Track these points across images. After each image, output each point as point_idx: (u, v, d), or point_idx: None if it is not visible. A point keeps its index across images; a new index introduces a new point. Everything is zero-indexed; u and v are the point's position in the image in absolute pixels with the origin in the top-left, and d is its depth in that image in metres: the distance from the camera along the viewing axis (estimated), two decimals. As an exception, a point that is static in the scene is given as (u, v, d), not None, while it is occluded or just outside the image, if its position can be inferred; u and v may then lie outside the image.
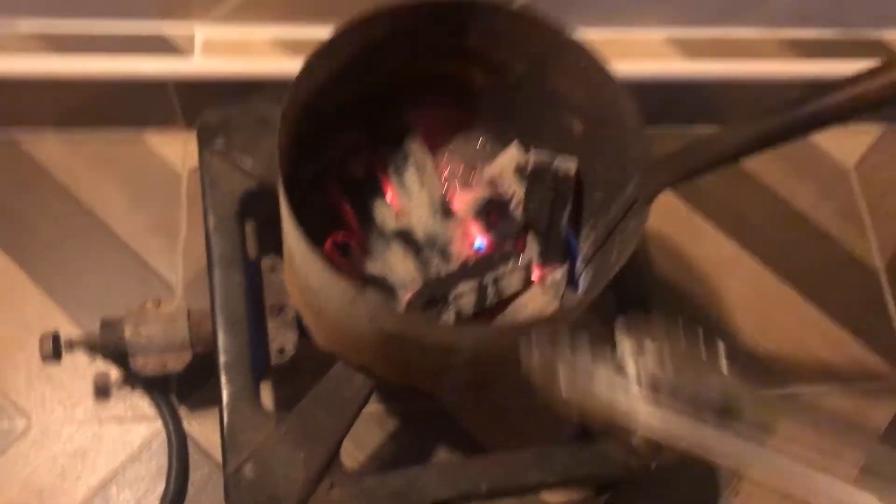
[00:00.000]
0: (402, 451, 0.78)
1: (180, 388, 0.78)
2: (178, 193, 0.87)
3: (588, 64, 0.58)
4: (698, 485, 0.81)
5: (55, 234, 0.84)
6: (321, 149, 0.66)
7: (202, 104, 0.82)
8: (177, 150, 0.88)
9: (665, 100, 0.88)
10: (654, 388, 0.47)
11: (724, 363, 0.49)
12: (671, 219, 0.92)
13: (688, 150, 0.51)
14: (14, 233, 0.83)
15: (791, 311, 0.90)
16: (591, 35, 0.82)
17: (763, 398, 0.49)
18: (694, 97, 0.88)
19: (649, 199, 0.54)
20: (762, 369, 0.86)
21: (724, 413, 0.47)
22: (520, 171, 0.67)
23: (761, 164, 0.96)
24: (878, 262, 0.94)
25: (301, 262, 0.56)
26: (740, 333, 0.88)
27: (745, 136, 0.48)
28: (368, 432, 0.78)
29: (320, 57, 0.56)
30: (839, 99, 0.43)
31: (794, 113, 0.45)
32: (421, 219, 0.66)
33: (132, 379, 0.77)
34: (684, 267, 0.90)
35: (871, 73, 0.42)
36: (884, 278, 0.93)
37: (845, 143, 0.99)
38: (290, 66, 0.79)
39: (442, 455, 0.79)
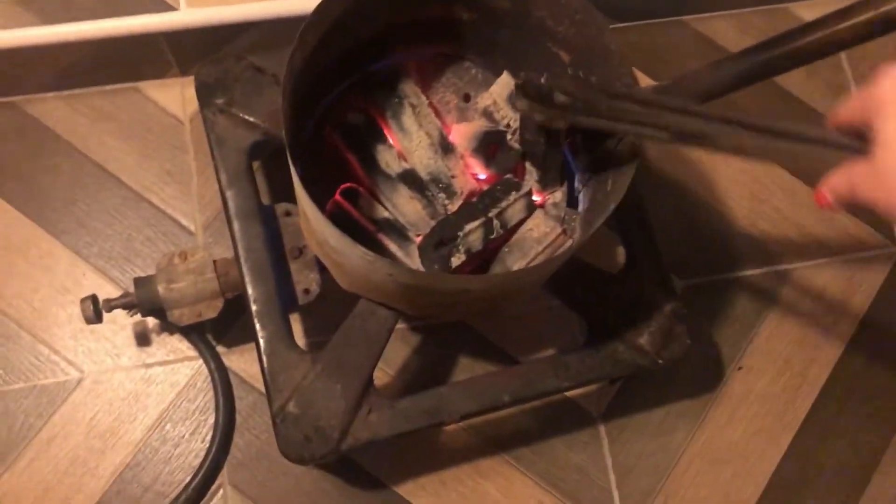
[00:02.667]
0: (428, 364, 0.84)
1: (215, 328, 0.84)
2: (184, 140, 0.89)
3: (571, 1, 0.59)
4: (704, 362, 0.88)
5: (71, 193, 0.87)
6: (319, 101, 0.69)
7: (194, 52, 0.84)
8: (175, 97, 0.89)
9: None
10: None
11: None
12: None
13: (679, 83, 0.53)
14: (31, 196, 0.86)
15: (782, 191, 0.93)
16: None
17: None
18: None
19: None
20: (758, 249, 0.91)
21: None
22: (512, 100, 0.69)
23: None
24: None
25: (317, 226, 0.59)
26: (736, 218, 0.92)
27: (731, 73, 0.50)
28: (395, 350, 0.84)
29: (312, 24, 0.58)
30: (815, 38, 0.46)
31: (771, 52, 0.48)
32: (423, 158, 0.69)
33: (170, 324, 0.83)
34: (679, 161, 0.93)
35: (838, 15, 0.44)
36: None
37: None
38: (269, 5, 0.80)
39: (464, 362, 0.85)
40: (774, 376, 0.88)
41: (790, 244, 0.92)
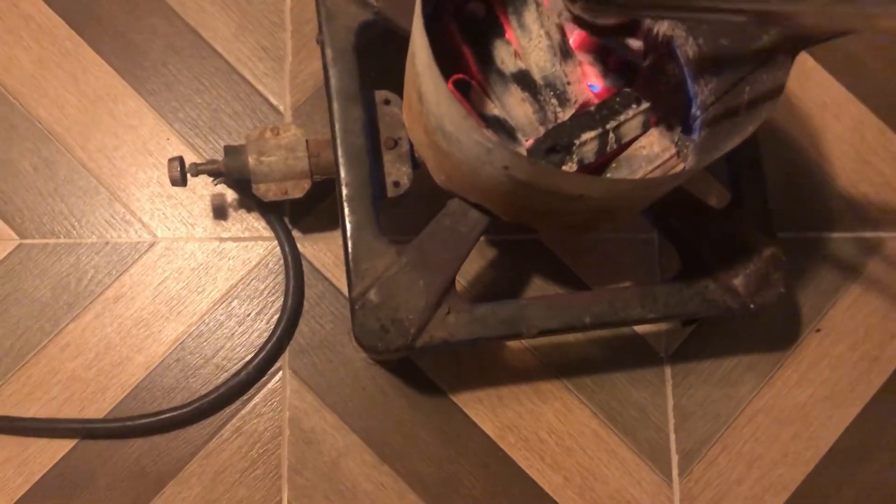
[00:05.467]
0: (502, 278, 0.83)
1: (293, 211, 0.82)
2: (283, 17, 0.86)
3: None
4: (782, 318, 0.85)
5: (164, 56, 0.85)
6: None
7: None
8: (280, -29, 0.87)
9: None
10: None
11: None
12: (778, 56, 0.89)
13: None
14: (123, 53, 0.84)
15: (891, 156, 0.89)
16: None
17: None
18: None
19: (795, 52, 0.53)
20: (855, 212, 0.87)
21: None
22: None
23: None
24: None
25: (435, 107, 0.57)
26: (837, 176, 0.88)
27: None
28: (470, 260, 0.82)
29: None
30: None
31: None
32: (539, 60, 0.66)
33: (249, 201, 0.82)
34: (788, 107, 0.89)
35: None
36: None
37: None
38: None
39: (537, 282, 0.83)
40: (852, 344, 0.85)
41: (890, 211, 0.88)
